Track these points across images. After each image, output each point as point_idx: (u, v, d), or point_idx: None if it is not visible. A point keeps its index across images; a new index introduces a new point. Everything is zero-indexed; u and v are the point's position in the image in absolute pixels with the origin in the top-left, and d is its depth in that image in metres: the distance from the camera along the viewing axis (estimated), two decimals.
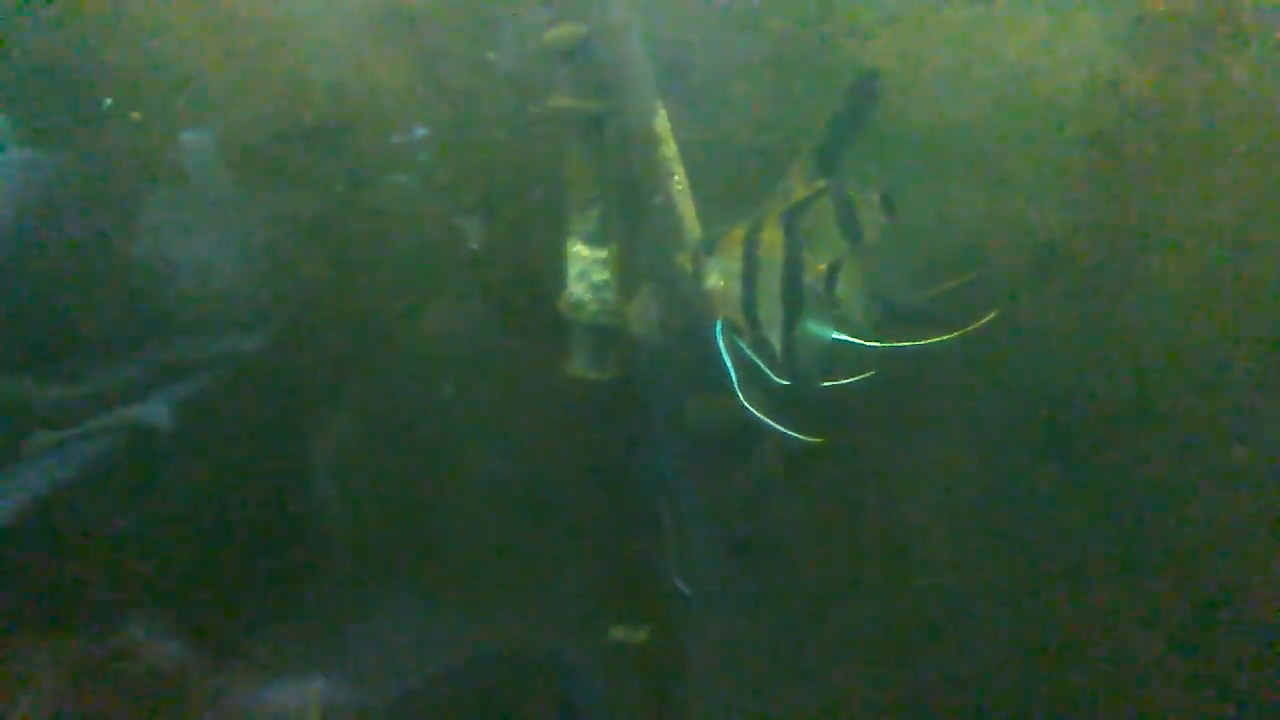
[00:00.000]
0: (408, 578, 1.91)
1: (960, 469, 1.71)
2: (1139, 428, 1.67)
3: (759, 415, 1.30)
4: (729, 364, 1.34)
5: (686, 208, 1.63)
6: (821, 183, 1.41)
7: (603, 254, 1.73)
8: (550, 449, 1.88)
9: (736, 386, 1.33)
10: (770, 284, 1.29)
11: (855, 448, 1.69)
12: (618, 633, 1.75)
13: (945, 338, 1.37)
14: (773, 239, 1.30)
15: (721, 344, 1.35)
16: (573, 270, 1.74)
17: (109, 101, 1.96)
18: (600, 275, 1.73)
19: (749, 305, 1.30)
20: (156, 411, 1.98)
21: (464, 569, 1.91)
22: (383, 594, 1.92)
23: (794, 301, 1.26)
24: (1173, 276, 1.61)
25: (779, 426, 1.30)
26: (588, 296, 1.74)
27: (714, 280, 1.36)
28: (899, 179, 1.61)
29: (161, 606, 1.84)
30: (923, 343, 1.35)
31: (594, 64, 1.65)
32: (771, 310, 1.29)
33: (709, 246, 1.39)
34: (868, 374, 1.29)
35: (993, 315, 1.37)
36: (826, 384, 1.30)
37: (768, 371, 1.31)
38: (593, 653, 1.81)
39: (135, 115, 1.95)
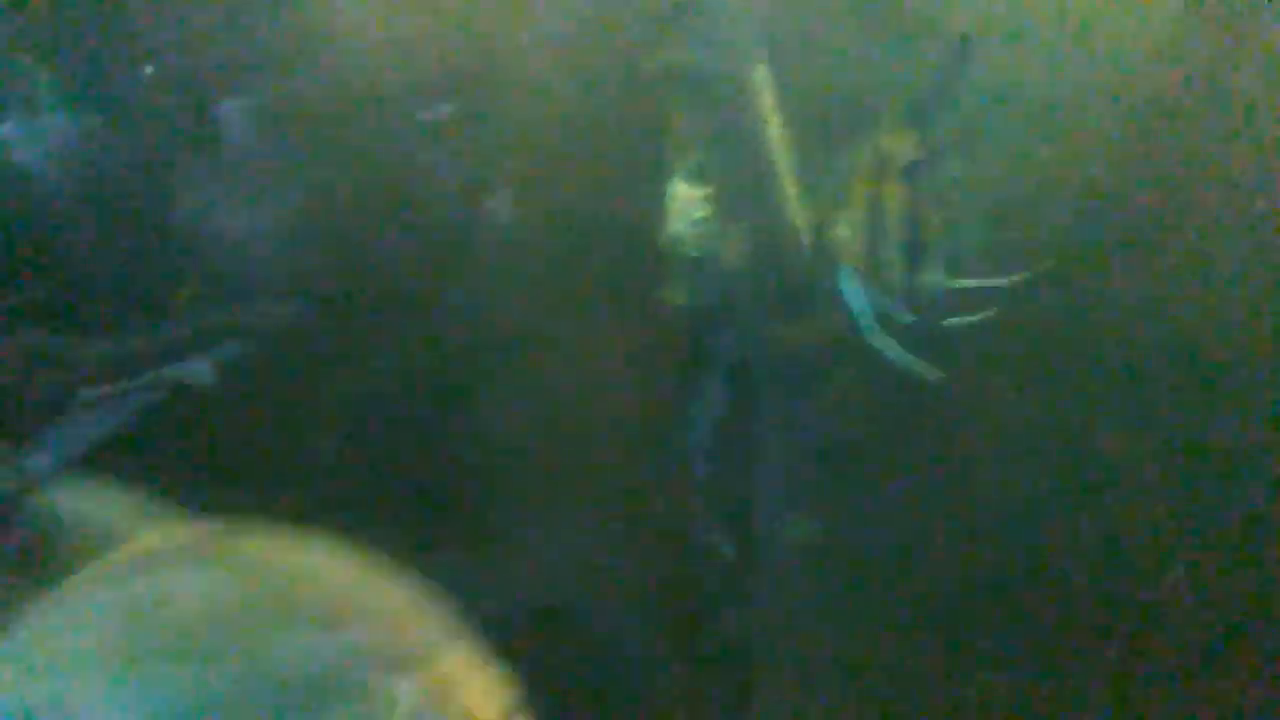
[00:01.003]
0: (461, 528, 2.00)
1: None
2: (1200, 390, 1.76)
3: (887, 348, 1.48)
4: (856, 304, 1.52)
5: (782, 154, 1.82)
6: (914, 138, 1.59)
7: (702, 194, 1.92)
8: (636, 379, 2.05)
9: (862, 323, 1.51)
10: (891, 231, 1.46)
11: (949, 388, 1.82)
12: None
13: (998, 282, 1.55)
14: (894, 190, 1.48)
15: (847, 286, 1.52)
16: (675, 206, 1.93)
17: (150, 69, 2.07)
18: (700, 213, 1.92)
19: (872, 250, 1.47)
20: (197, 371, 2.08)
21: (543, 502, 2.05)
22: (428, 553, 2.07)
23: (915, 247, 1.43)
24: (1229, 233, 1.74)
25: (905, 358, 1.48)
26: (687, 231, 1.93)
27: (841, 229, 1.54)
28: (972, 137, 1.77)
29: None
30: (999, 283, 1.53)
31: (701, 22, 1.83)
32: (893, 255, 1.46)
33: (834, 197, 1.57)
34: (987, 313, 1.46)
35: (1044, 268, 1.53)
36: (946, 323, 1.47)
37: (888, 311, 1.49)
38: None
39: (148, 70, 2.06)
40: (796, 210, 1.83)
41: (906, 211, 1.47)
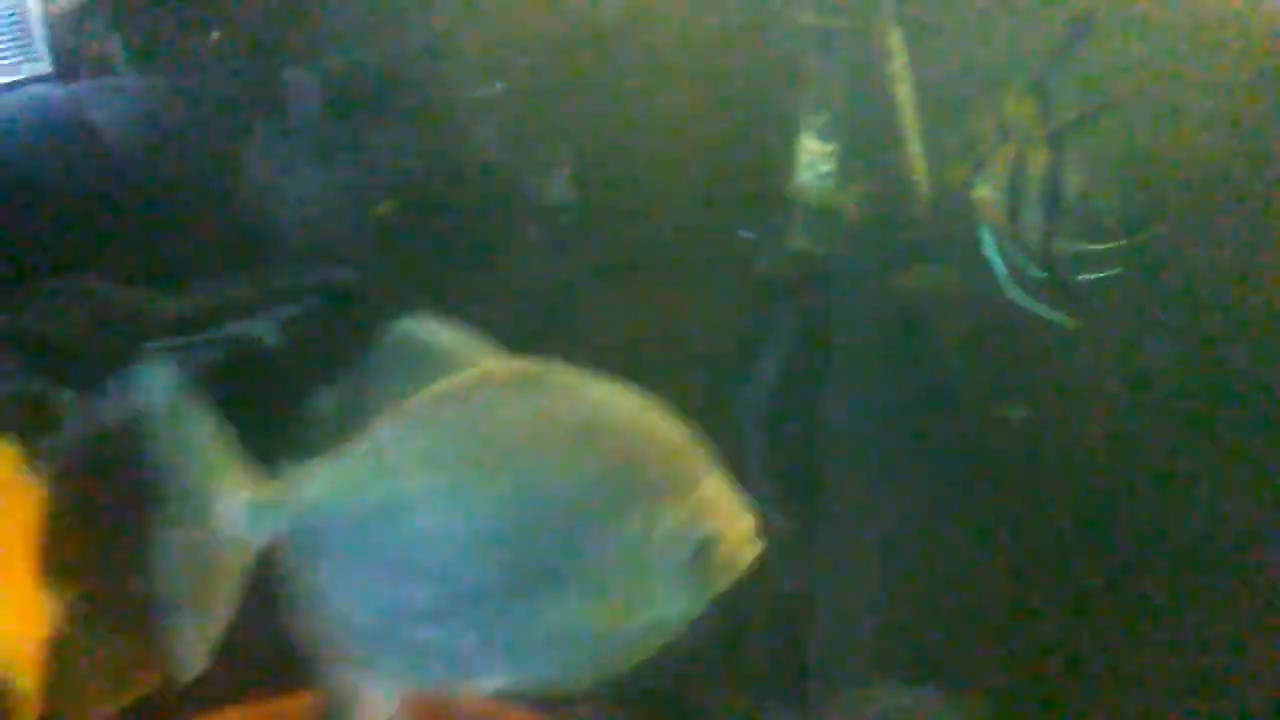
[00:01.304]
0: None
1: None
2: None
3: (1025, 300, 1.62)
4: (996, 259, 1.66)
5: (911, 114, 1.97)
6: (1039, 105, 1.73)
7: (829, 148, 2.07)
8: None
9: (1001, 276, 1.65)
10: (1032, 191, 1.60)
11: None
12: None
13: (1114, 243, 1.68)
14: (1035, 151, 1.61)
15: (988, 243, 1.66)
16: (802, 160, 2.09)
17: (216, 34, 2.15)
18: (825, 166, 2.08)
19: (1012, 208, 1.61)
20: (262, 328, 2.16)
21: None
22: None
23: (1053, 208, 1.57)
24: None
25: (1042, 309, 1.62)
26: (812, 183, 2.09)
27: (981, 190, 1.68)
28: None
29: None
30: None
31: None
32: (1032, 214, 1.60)
33: (975, 160, 1.72)
34: (1115, 271, 1.59)
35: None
36: (1084, 277, 1.60)
37: (1024, 267, 1.63)
38: None
39: (215, 35, 2.14)
40: (919, 166, 1.98)
41: (1048, 173, 1.61)
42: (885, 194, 2.05)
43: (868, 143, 2.06)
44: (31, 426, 1.82)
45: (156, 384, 0.91)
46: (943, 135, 1.97)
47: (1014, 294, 1.65)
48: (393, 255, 2.21)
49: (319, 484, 0.91)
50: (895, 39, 1.96)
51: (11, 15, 2.37)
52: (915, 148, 1.97)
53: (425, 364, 0.89)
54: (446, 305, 0.92)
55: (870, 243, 2.09)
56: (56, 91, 2.21)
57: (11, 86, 2.23)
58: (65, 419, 1.92)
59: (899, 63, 1.96)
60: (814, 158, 2.08)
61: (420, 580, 0.89)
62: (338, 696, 0.93)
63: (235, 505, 0.90)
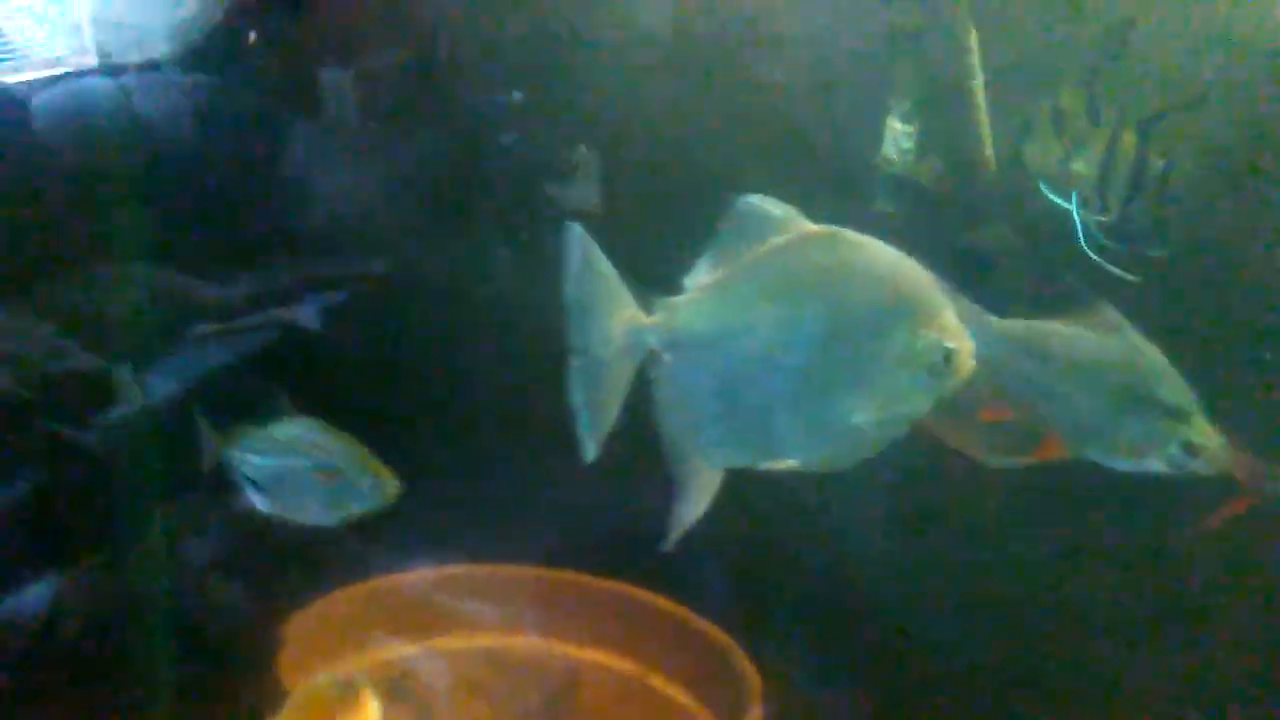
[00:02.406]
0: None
1: None
2: None
3: (1100, 261, 2.02)
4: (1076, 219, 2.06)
5: (980, 99, 2.42)
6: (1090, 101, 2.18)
7: (911, 128, 2.52)
8: None
9: (1079, 234, 2.06)
10: (1121, 170, 1.99)
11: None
12: None
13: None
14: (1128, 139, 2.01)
15: (1074, 209, 2.06)
16: (888, 137, 2.54)
17: (253, 36, 2.36)
18: (907, 144, 2.53)
19: (1102, 184, 2.02)
20: (304, 313, 2.39)
21: None
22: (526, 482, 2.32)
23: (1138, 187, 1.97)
24: None
25: (1113, 268, 2.02)
26: (895, 156, 2.54)
27: (1077, 164, 2.09)
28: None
29: None
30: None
31: None
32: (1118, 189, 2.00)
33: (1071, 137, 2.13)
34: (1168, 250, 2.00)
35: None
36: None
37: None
38: None
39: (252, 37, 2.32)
40: (988, 143, 2.44)
41: (1135, 155, 2.02)
42: (956, 165, 2.50)
43: (943, 123, 2.51)
44: (91, 400, 2.07)
45: (573, 237, 1.32)
46: (1008, 118, 2.42)
47: (1090, 251, 2.08)
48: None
49: (682, 312, 1.33)
50: (972, 37, 2.41)
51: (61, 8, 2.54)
52: (984, 129, 2.43)
53: (760, 227, 1.31)
54: None
55: (943, 204, 2.54)
56: (106, 83, 2.38)
57: (61, 77, 2.38)
58: (121, 393, 2.14)
59: (973, 57, 2.41)
60: (897, 135, 2.53)
61: (748, 384, 1.32)
62: (683, 474, 1.35)
63: (624, 327, 1.32)
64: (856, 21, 2.54)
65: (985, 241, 2.52)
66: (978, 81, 2.42)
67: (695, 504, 1.36)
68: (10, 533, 1.98)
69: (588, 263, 1.32)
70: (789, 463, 1.35)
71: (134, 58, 2.19)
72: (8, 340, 2.08)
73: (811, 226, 1.32)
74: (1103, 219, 2.10)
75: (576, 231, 1.33)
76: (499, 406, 2.42)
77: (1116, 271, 2.08)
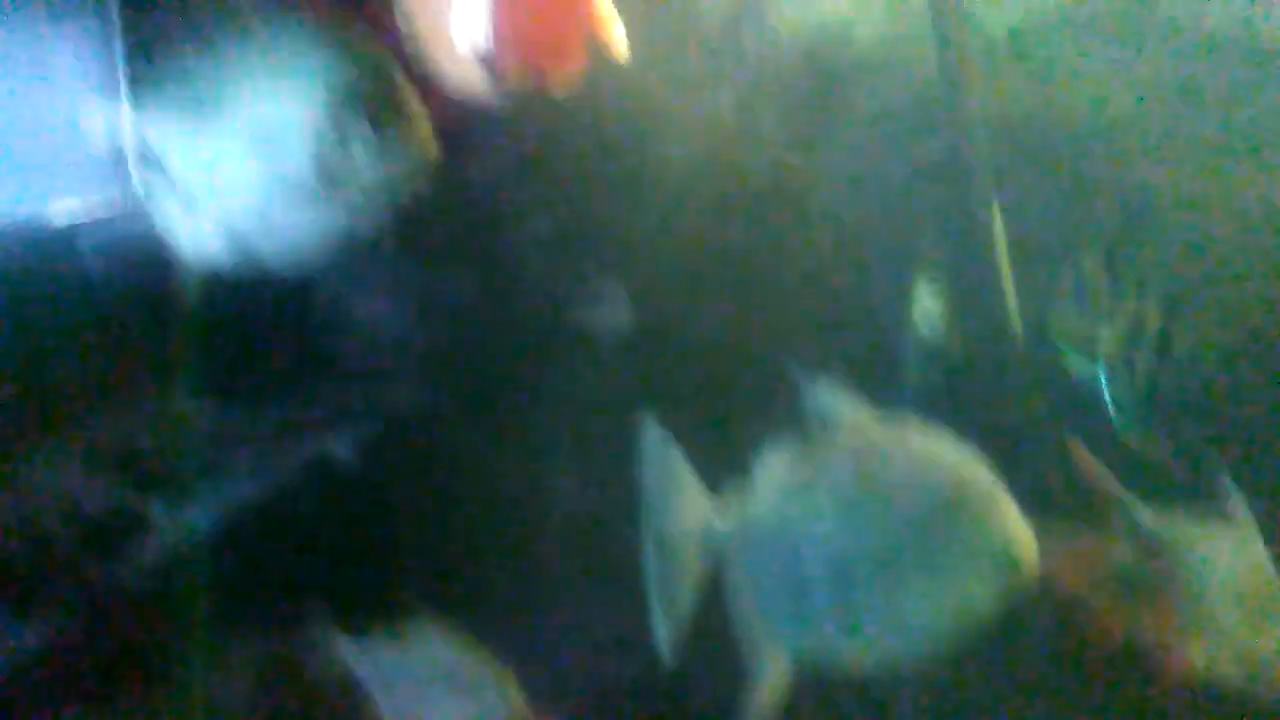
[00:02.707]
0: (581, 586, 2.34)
1: None
2: None
3: (1126, 432, 2.06)
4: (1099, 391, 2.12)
5: (1006, 271, 2.52)
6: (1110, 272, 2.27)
7: (937, 294, 2.62)
8: None
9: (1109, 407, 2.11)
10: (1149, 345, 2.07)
11: None
12: None
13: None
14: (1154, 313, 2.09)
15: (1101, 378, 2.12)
16: (916, 309, 2.63)
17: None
18: (933, 309, 2.63)
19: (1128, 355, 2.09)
20: (338, 443, 2.39)
21: None
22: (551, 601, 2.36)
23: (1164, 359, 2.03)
24: None
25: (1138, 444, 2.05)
26: (924, 327, 2.63)
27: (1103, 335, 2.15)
28: None
29: (338, 612, 2.13)
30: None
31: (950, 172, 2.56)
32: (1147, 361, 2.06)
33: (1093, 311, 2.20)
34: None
35: None
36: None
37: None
38: None
39: None
40: (1013, 313, 2.53)
41: (1161, 329, 2.09)
42: (982, 333, 2.59)
43: (969, 291, 2.61)
44: (125, 535, 2.08)
45: (649, 435, 1.38)
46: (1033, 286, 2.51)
47: (1121, 427, 2.13)
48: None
49: (751, 502, 1.38)
50: (996, 215, 2.53)
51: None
52: (1010, 299, 2.52)
53: (827, 415, 1.38)
54: None
55: (968, 373, 2.62)
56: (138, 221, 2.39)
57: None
58: (155, 527, 2.13)
59: (998, 230, 2.52)
60: (924, 306, 2.63)
61: (816, 573, 1.36)
62: (753, 661, 1.38)
63: (695, 515, 1.37)
64: (883, 197, 2.66)
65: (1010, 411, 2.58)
66: (1004, 257, 2.52)
67: (767, 695, 1.38)
68: (49, 673, 1.96)
69: (659, 454, 1.38)
70: (861, 657, 1.38)
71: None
72: (49, 476, 2.10)
73: (877, 417, 1.38)
74: (1129, 391, 2.17)
75: (649, 424, 1.39)
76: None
77: (1142, 449, 2.13)
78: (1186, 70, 2.36)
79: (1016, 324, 2.53)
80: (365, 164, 1.13)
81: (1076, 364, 2.33)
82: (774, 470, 1.39)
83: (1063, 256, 2.47)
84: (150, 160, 1.19)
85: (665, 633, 1.35)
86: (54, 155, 2.43)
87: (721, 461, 1.44)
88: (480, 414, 2.50)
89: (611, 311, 2.59)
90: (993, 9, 2.55)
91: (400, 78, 1.16)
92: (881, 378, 2.64)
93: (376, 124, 1.12)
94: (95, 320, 2.25)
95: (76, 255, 2.22)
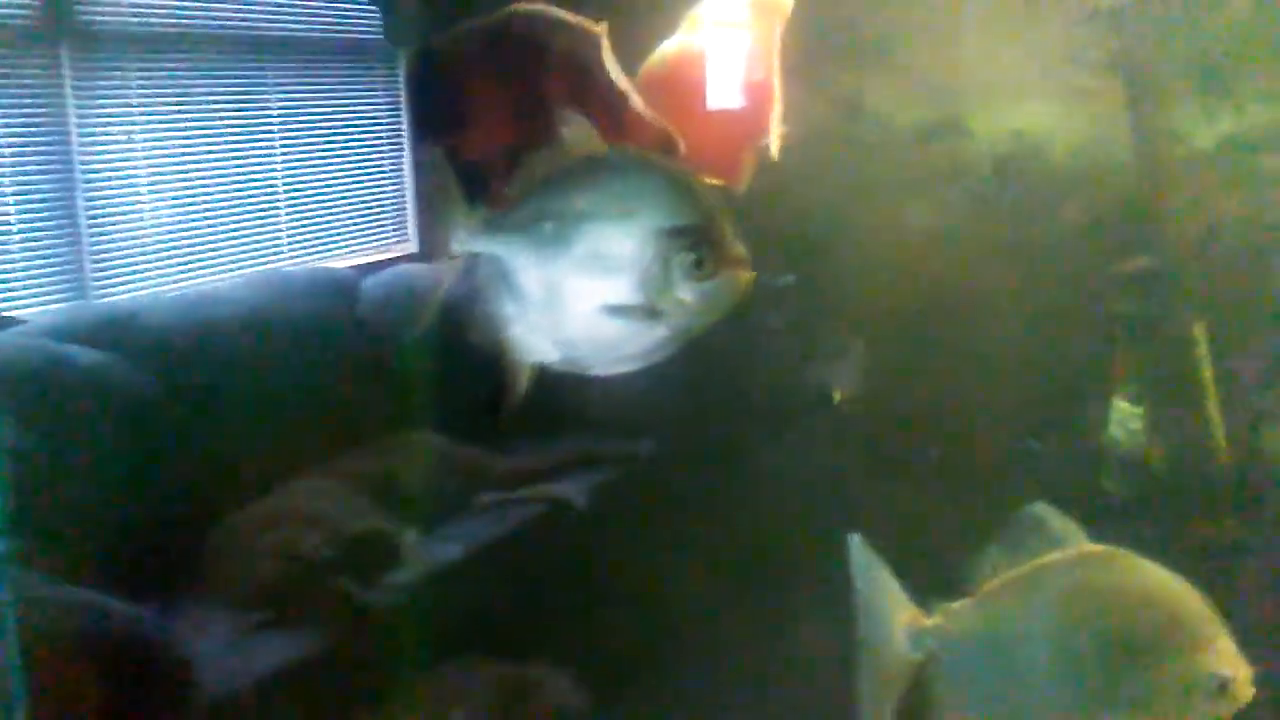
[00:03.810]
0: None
1: None
2: None
3: None
4: None
5: (1211, 389, 2.45)
6: None
7: (1139, 410, 2.57)
8: None
9: None
10: None
11: None
12: None
13: None
14: None
15: None
16: (1114, 418, 2.58)
17: None
18: (1135, 425, 2.57)
19: None
20: (573, 490, 2.51)
21: None
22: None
23: None
24: None
25: None
26: (1123, 437, 2.57)
27: None
28: None
29: (565, 649, 2.22)
30: None
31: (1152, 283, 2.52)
32: None
33: None
34: None
35: None
36: None
37: None
38: None
39: None
40: (1219, 430, 2.46)
41: None
42: (1187, 448, 2.52)
43: (1172, 407, 2.55)
44: (377, 562, 2.14)
45: (854, 548, 1.41)
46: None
47: None
48: None
49: (960, 618, 1.39)
50: (1200, 329, 2.47)
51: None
52: (1216, 417, 2.45)
53: (1040, 538, 1.38)
54: None
55: (1173, 488, 2.54)
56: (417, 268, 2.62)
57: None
58: (407, 556, 2.20)
59: (1202, 349, 2.47)
60: (1124, 416, 2.58)
61: (1021, 695, 1.36)
62: None
63: (905, 629, 1.39)
64: (1079, 306, 2.64)
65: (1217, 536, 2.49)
66: (1207, 372, 2.46)
67: None
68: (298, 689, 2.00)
69: (869, 570, 1.41)
70: None
71: None
72: (318, 500, 2.23)
73: (1090, 545, 1.38)
74: None
75: (856, 542, 1.42)
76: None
77: None
78: None
79: (1221, 441, 2.46)
80: (691, 293, 1.25)
81: None
82: (984, 590, 1.40)
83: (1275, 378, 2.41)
84: (498, 273, 1.34)
85: None
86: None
87: (931, 575, 1.46)
88: (713, 466, 2.60)
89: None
90: (1200, 122, 2.52)
91: (728, 218, 1.29)
92: (1082, 484, 2.61)
93: (704, 260, 1.25)
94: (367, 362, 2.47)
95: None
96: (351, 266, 2.87)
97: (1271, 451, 2.33)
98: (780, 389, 2.85)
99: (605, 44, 1.79)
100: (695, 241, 1.21)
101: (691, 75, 1.93)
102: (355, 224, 3.05)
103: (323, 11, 2.93)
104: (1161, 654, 1.34)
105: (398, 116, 3.11)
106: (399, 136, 3.11)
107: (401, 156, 3.13)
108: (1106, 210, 2.59)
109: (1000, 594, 1.40)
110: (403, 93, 3.02)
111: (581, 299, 1.27)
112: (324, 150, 2.94)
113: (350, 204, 3.03)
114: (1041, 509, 1.40)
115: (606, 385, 2.42)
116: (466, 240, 1.35)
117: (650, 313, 1.24)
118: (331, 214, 2.98)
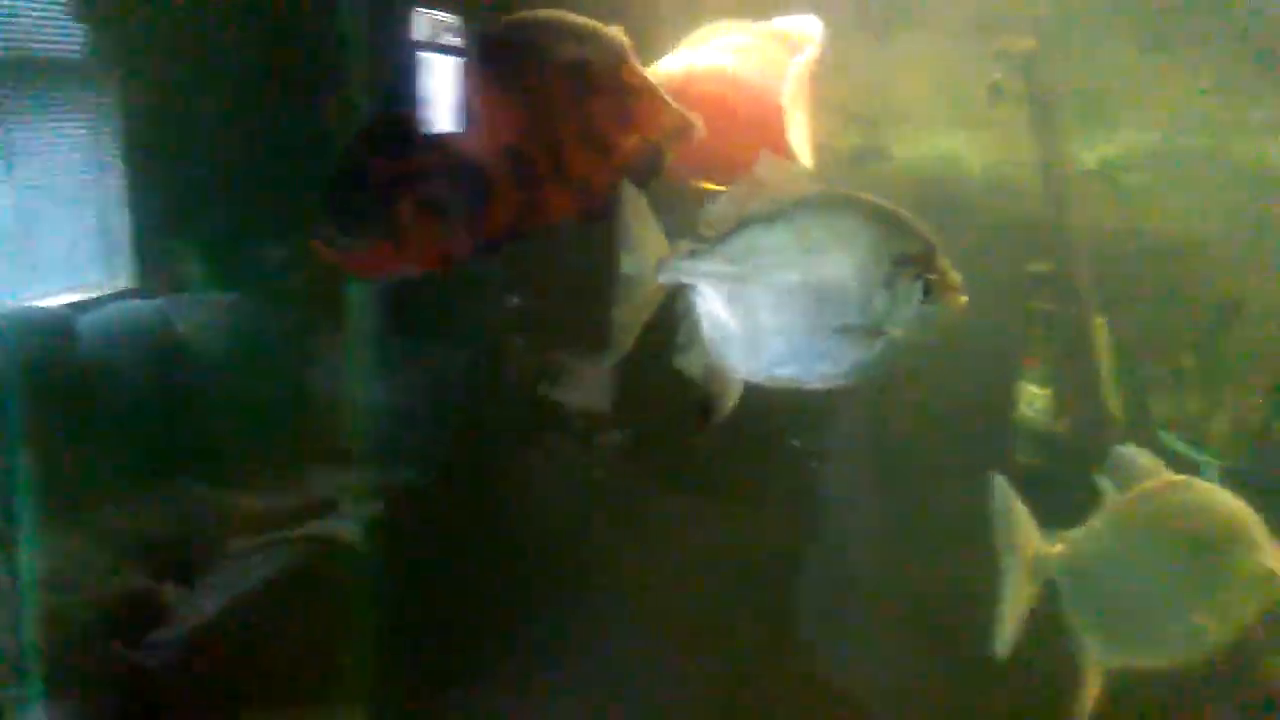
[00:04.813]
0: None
1: None
2: None
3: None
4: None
5: (1107, 370, 2.92)
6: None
7: (1045, 391, 3.01)
8: None
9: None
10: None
11: None
12: None
13: None
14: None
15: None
16: (1023, 398, 3.01)
17: None
18: (1040, 403, 3.01)
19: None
20: (341, 527, 2.41)
21: None
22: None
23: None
24: None
25: None
26: (1031, 414, 3.01)
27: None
28: None
29: (345, 701, 2.27)
30: None
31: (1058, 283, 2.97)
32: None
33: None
34: None
35: None
36: None
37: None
38: None
39: None
40: (1114, 403, 2.93)
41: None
42: (1089, 421, 2.97)
43: (1075, 386, 3.00)
44: (139, 620, 2.06)
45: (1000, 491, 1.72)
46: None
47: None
48: None
49: (1080, 545, 1.72)
50: (1099, 322, 2.94)
51: None
52: (1112, 390, 2.92)
53: (1132, 472, 1.73)
54: None
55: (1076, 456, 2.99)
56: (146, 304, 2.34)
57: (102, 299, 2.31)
58: (169, 611, 2.11)
59: (1103, 338, 2.93)
60: (1032, 397, 3.02)
61: (1135, 598, 1.71)
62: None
63: (1031, 546, 1.70)
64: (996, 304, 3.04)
65: None
66: (1106, 357, 2.93)
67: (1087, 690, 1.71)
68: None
69: (1006, 504, 1.71)
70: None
71: None
72: (70, 563, 2.09)
73: (1171, 475, 1.74)
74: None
75: (1000, 481, 1.72)
76: None
77: None
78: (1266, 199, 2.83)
79: (1118, 410, 2.92)
80: (915, 315, 1.43)
81: (1176, 446, 2.71)
82: (1094, 523, 1.73)
83: (1161, 354, 2.88)
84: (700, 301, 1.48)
85: (1004, 633, 1.67)
86: None
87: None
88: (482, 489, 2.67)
89: None
90: (1084, 144, 3.00)
91: (939, 249, 1.47)
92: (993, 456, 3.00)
93: (930, 286, 1.43)
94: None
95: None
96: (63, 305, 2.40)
97: (1159, 416, 2.80)
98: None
99: (617, 44, 1.88)
100: (922, 269, 1.42)
101: (689, 91, 2.09)
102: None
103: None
104: (1232, 553, 1.72)
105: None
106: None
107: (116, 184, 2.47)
108: (1014, 220, 3.03)
109: (1110, 519, 1.73)
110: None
111: (804, 321, 1.44)
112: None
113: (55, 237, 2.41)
114: (1131, 450, 1.74)
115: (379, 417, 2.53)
116: (670, 273, 1.48)
117: (874, 333, 1.43)
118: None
